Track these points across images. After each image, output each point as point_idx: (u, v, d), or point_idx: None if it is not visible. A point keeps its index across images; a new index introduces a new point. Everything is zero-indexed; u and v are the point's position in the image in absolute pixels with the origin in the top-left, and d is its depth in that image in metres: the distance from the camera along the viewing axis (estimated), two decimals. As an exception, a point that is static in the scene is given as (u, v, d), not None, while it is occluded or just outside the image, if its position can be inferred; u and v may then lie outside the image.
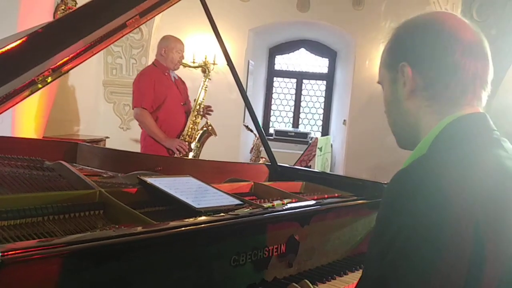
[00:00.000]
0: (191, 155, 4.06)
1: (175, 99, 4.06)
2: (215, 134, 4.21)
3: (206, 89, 4.21)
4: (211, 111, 4.18)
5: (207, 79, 4.26)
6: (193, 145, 4.09)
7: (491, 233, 0.85)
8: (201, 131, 4.14)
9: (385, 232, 0.91)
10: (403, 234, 0.86)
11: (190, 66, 4.44)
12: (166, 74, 4.06)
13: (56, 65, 1.43)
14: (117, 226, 1.33)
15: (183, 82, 4.27)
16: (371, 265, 0.95)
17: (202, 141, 4.15)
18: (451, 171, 0.90)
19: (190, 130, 4.08)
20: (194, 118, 4.10)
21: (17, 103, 1.36)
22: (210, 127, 4.17)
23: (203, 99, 4.16)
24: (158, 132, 3.93)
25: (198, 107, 4.11)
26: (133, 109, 4.07)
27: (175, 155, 3.93)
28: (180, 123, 4.09)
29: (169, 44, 4.04)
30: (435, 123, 1.02)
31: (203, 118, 4.17)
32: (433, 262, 0.84)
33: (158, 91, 3.95)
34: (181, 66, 4.19)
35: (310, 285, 1.40)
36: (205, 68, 4.34)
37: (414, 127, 1.08)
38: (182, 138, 4.06)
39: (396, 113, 1.12)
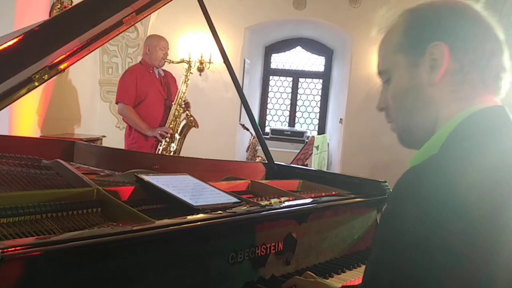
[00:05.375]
0: (173, 146, 4.22)
1: (157, 96, 4.27)
2: (197, 126, 4.35)
3: (188, 82, 4.38)
4: (189, 108, 4.33)
5: (189, 73, 4.42)
6: (176, 136, 4.26)
7: (503, 240, 0.81)
8: (182, 123, 4.30)
9: (392, 234, 0.86)
10: (411, 240, 0.81)
11: (172, 62, 4.50)
12: (150, 71, 4.26)
13: (53, 63, 1.44)
14: (115, 224, 1.33)
15: (172, 79, 4.43)
16: (379, 269, 0.88)
17: (184, 133, 4.31)
18: (467, 174, 0.84)
19: (171, 122, 4.25)
20: (176, 111, 4.27)
21: (14, 101, 1.36)
22: (191, 118, 4.31)
23: (184, 93, 4.31)
24: (141, 123, 4.16)
25: (179, 100, 4.27)
26: (116, 104, 4.32)
27: (159, 145, 4.14)
28: (160, 118, 4.28)
29: (153, 42, 4.24)
30: (457, 112, 0.95)
31: (185, 112, 4.31)
32: (441, 275, 0.79)
33: (140, 88, 4.18)
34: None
35: (314, 275, 1.42)
36: (187, 63, 4.50)
37: (431, 119, 0.99)
38: None
39: (414, 103, 1.01)
